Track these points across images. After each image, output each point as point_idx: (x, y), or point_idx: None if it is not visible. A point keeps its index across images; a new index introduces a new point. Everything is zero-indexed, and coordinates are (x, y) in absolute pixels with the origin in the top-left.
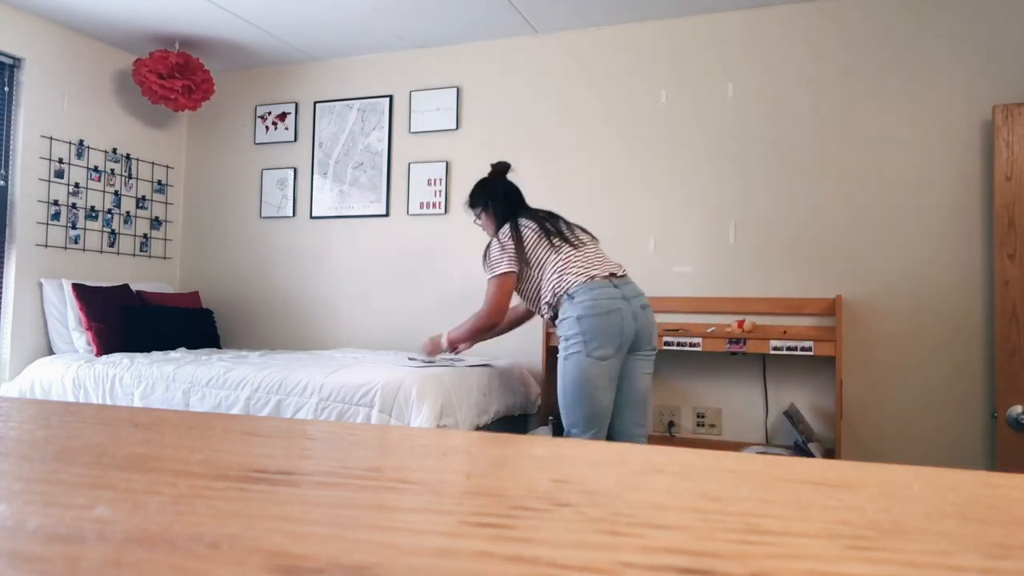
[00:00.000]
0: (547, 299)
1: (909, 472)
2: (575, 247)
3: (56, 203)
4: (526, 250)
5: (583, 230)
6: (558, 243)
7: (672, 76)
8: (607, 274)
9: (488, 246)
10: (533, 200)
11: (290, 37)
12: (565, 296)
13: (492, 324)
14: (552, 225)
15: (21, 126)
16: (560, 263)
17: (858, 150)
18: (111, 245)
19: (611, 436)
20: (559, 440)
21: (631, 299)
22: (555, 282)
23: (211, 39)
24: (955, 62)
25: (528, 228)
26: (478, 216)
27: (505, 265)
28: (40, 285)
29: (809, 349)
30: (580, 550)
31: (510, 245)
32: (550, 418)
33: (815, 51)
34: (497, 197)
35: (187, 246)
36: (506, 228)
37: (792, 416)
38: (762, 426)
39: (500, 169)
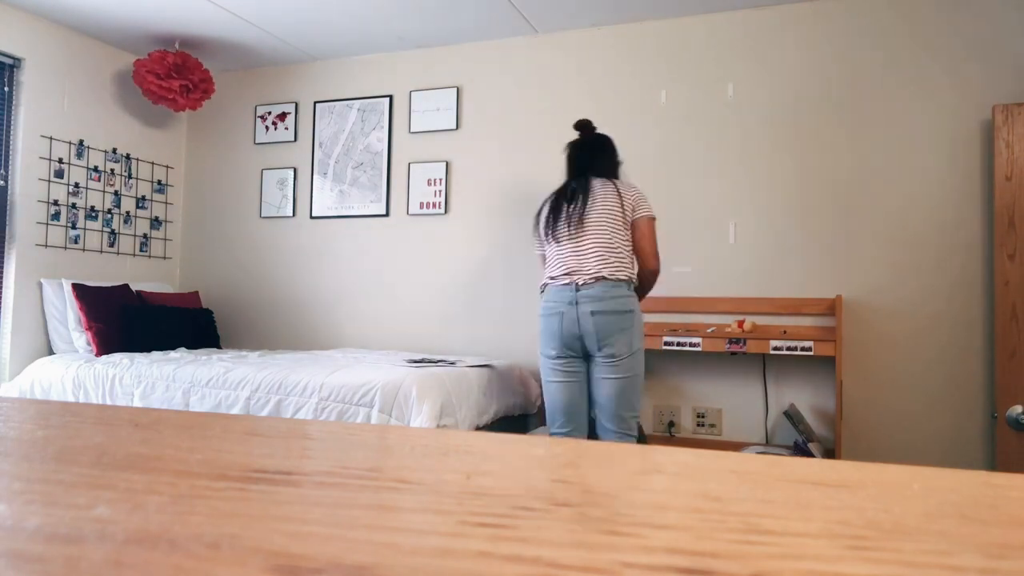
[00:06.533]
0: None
1: (909, 472)
2: (558, 241)
3: (56, 203)
4: (537, 228)
5: (580, 219)
6: (551, 232)
7: (672, 76)
8: (567, 281)
9: None
10: (532, 199)
11: (290, 37)
12: (541, 293)
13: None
14: (556, 212)
15: (21, 126)
16: (548, 256)
17: (858, 150)
18: (111, 245)
19: (591, 434)
20: (559, 440)
21: (582, 304)
22: (543, 274)
23: (211, 39)
24: (955, 62)
25: (544, 208)
26: None
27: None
28: (40, 285)
29: (809, 349)
30: (580, 550)
31: (538, 220)
32: None
33: (815, 51)
34: (568, 160)
35: (187, 246)
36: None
37: (792, 416)
38: (762, 426)
39: (577, 127)
